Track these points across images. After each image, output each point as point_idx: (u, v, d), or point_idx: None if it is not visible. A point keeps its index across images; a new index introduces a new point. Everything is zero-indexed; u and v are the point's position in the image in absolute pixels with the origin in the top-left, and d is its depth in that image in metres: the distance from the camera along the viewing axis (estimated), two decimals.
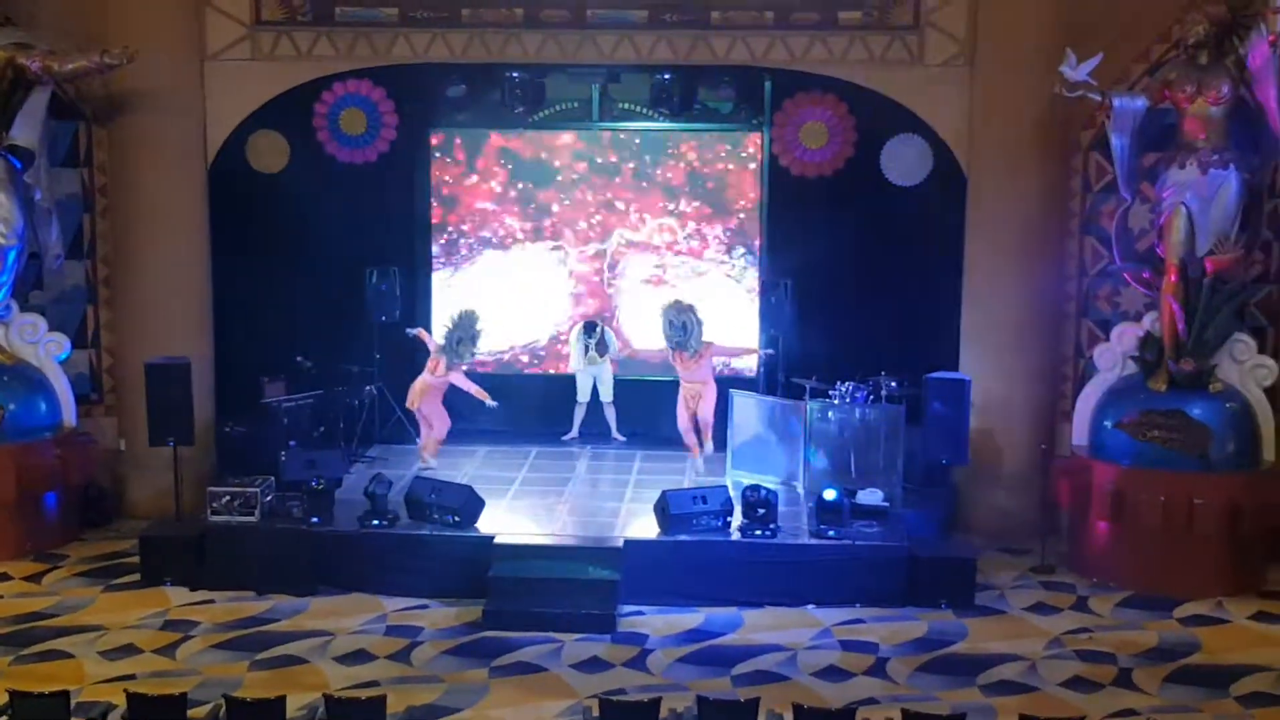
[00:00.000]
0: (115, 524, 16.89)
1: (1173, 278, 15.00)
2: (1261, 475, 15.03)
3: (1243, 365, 15.20)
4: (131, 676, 12.26)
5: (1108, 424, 15.32)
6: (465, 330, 16.58)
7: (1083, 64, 14.64)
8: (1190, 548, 14.65)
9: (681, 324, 16.24)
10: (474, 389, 16.59)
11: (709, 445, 16.80)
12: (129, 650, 13.01)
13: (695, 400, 16.54)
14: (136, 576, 14.85)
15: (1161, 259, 15.19)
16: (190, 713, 10.13)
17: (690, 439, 16.73)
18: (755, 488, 14.84)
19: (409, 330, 17.40)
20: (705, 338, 16.41)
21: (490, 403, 16.58)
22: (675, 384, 16.80)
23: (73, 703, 10.22)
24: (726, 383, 17.25)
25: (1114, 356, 15.74)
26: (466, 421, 17.87)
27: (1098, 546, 15.35)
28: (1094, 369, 16.00)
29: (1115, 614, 14.32)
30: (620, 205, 18.48)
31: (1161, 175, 15.15)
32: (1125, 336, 15.70)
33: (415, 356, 17.25)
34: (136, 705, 10.04)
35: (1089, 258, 16.73)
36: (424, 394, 16.72)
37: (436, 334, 17.01)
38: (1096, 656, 13.11)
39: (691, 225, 18.43)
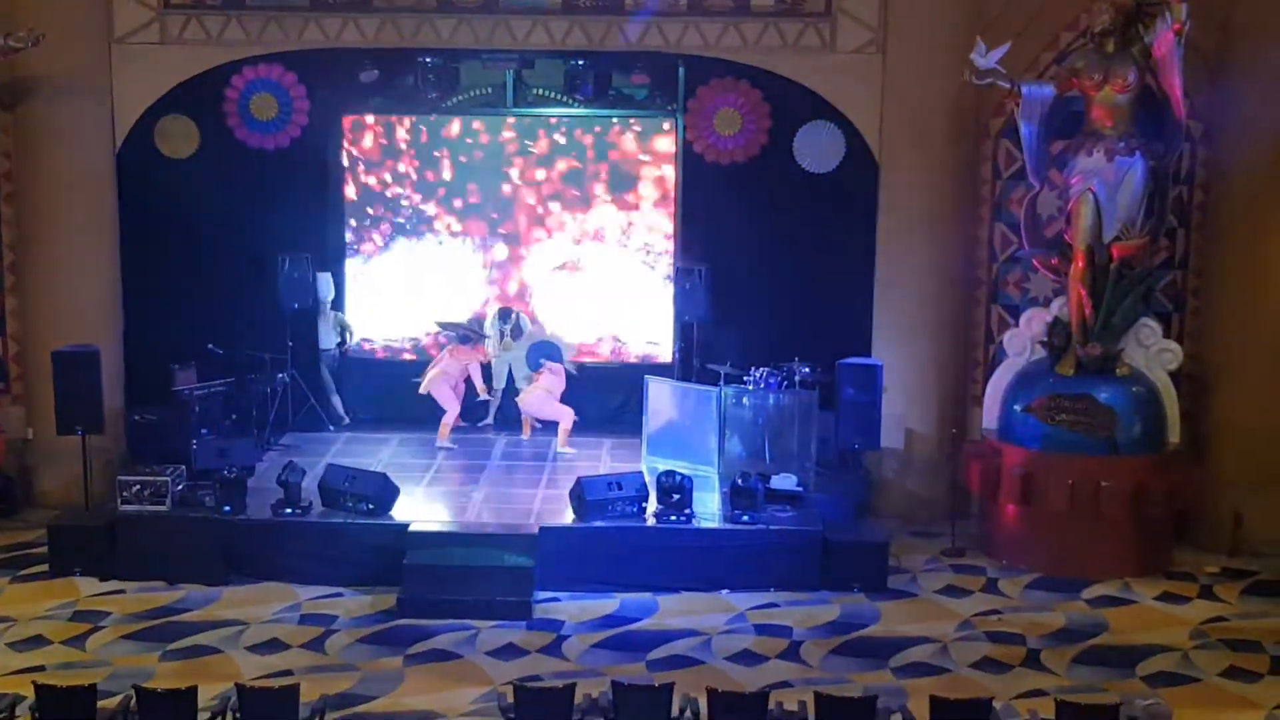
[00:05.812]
0: (23, 514, 16.65)
1: (1080, 263, 15.18)
2: (1167, 457, 15.26)
3: (1148, 349, 15.42)
4: (41, 668, 12.11)
5: (1017, 408, 15.48)
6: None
7: (992, 52, 14.76)
8: (1097, 530, 14.86)
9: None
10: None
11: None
12: (38, 641, 12.88)
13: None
14: (45, 567, 14.67)
15: (1069, 245, 15.38)
16: (100, 704, 10.07)
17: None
18: (670, 473, 14.86)
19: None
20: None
21: None
22: (592, 369, 16.95)
23: None
24: (641, 369, 17.31)
25: (1023, 341, 15.91)
26: (378, 408, 17.89)
27: (1007, 529, 15.53)
28: (1003, 354, 16.17)
29: (1024, 596, 14.51)
30: (534, 191, 18.41)
31: (1069, 162, 15.33)
32: (1034, 321, 15.85)
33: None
34: (46, 697, 9.94)
35: (999, 244, 16.90)
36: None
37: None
38: (1006, 638, 13.28)
39: (606, 211, 18.39)
